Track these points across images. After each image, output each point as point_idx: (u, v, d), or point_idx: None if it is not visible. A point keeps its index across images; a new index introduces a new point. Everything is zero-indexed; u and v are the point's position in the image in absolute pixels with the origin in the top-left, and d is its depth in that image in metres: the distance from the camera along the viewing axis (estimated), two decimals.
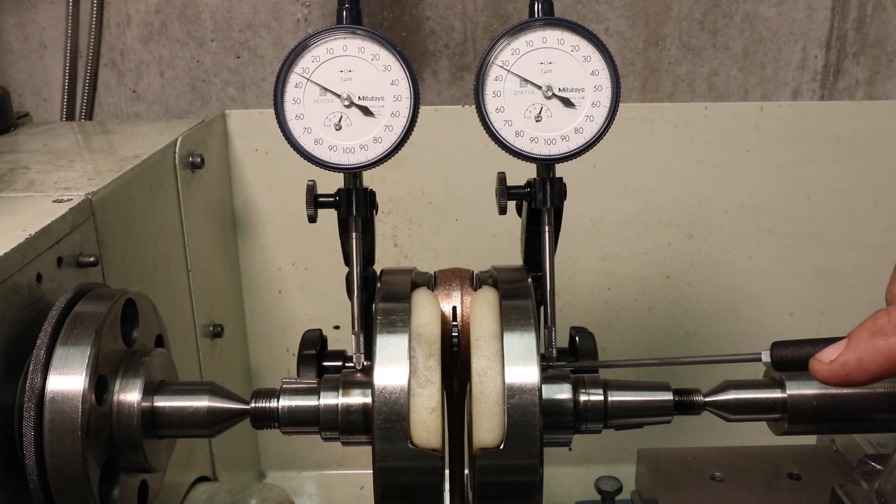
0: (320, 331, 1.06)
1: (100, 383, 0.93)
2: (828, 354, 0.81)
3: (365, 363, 0.98)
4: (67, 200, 1.18)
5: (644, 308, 1.99)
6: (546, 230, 1.00)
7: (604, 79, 0.95)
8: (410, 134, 0.95)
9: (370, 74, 0.95)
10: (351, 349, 1.00)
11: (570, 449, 1.05)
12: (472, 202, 1.90)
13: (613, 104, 0.95)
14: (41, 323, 0.94)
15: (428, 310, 0.96)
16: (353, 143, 0.95)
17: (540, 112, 0.95)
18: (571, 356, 1.04)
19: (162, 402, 0.99)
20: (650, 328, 2.01)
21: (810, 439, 1.44)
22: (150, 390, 0.98)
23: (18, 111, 1.86)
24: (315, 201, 0.99)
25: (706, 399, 1.01)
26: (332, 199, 0.99)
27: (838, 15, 1.90)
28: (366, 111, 0.95)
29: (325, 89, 0.95)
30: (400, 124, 0.95)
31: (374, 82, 0.95)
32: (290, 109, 0.95)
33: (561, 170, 0.99)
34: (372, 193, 1.00)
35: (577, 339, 1.04)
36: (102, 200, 1.24)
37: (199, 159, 1.65)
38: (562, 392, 0.96)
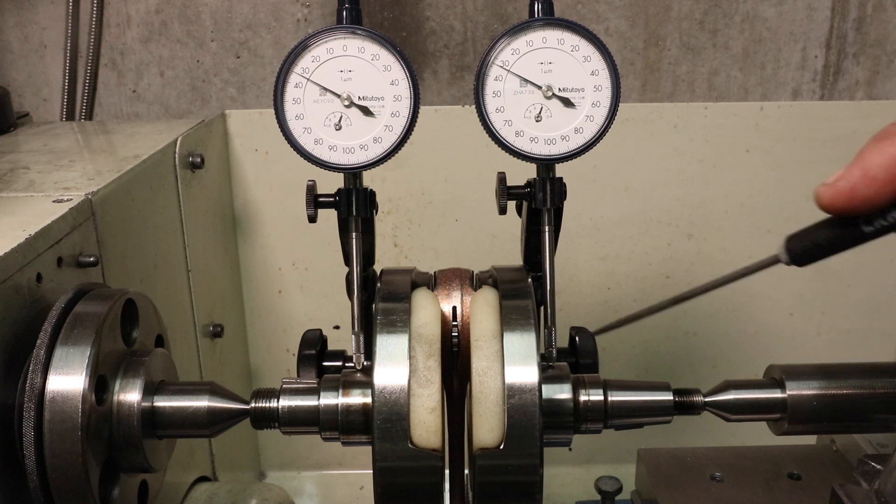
0: (320, 331, 1.06)
1: (100, 383, 0.93)
2: (833, 177, 0.73)
3: (365, 363, 0.98)
4: (67, 200, 1.18)
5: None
6: (546, 230, 1.00)
7: (604, 79, 0.95)
8: (410, 134, 0.95)
9: (370, 74, 0.95)
10: (351, 349, 1.00)
11: (570, 449, 1.05)
12: (472, 202, 1.90)
13: (613, 104, 0.95)
14: (41, 323, 0.94)
15: (428, 310, 0.97)
16: (353, 143, 0.95)
17: (540, 112, 0.95)
18: (571, 356, 1.04)
19: (162, 402, 0.99)
20: (650, 328, 2.01)
21: (810, 439, 1.44)
22: (150, 390, 0.98)
23: (18, 111, 1.85)
24: (315, 201, 0.99)
25: (706, 399, 1.01)
26: (332, 199, 0.99)
27: (838, 15, 1.90)
28: (366, 111, 0.95)
29: (325, 89, 0.95)
30: (400, 124, 0.95)
31: (374, 82, 0.95)
32: (290, 109, 0.95)
33: (561, 170, 1.00)
34: (372, 193, 1.00)
35: (577, 339, 1.05)
36: (102, 200, 1.24)
37: (199, 159, 1.66)
38: (562, 392, 0.96)
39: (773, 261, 0.83)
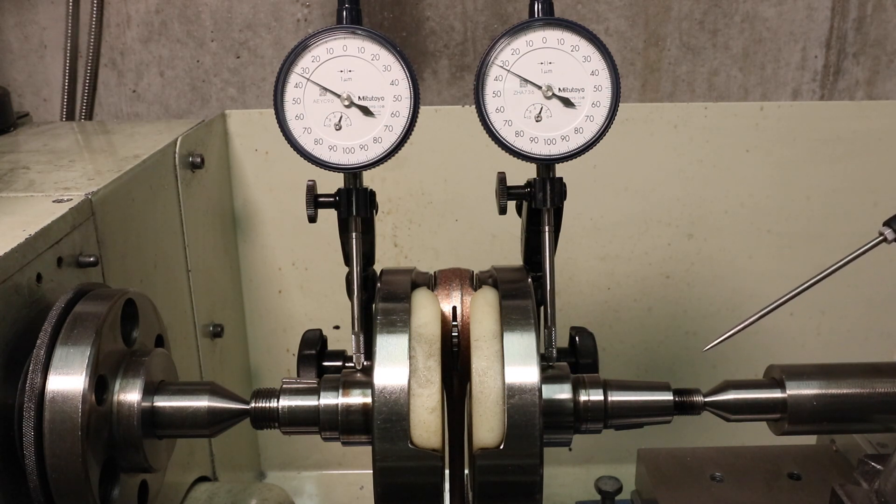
0: (320, 331, 1.06)
1: (100, 383, 0.93)
2: None
3: (365, 363, 0.98)
4: (67, 200, 1.18)
5: (644, 308, 1.99)
6: (546, 230, 1.00)
7: (604, 79, 0.95)
8: (410, 134, 0.95)
9: (370, 74, 0.95)
10: (351, 349, 1.00)
11: (570, 449, 1.05)
12: (472, 202, 1.90)
13: (613, 104, 0.95)
14: (41, 323, 0.94)
15: (428, 310, 0.97)
16: (353, 143, 0.95)
17: (540, 112, 0.95)
18: (571, 356, 1.04)
19: (162, 402, 0.99)
20: (650, 328, 2.01)
21: (810, 439, 1.44)
22: (150, 390, 0.98)
23: (18, 111, 1.85)
24: (315, 201, 0.99)
25: (706, 399, 1.01)
26: (332, 199, 0.99)
27: (838, 15, 1.90)
28: (366, 111, 0.95)
29: (325, 89, 0.95)
30: (400, 124, 0.95)
31: (374, 82, 0.95)
32: (290, 109, 0.95)
33: (561, 170, 0.99)
34: (372, 193, 1.00)
35: (577, 339, 1.05)
36: (102, 200, 1.24)
37: (199, 159, 1.65)
38: (562, 392, 0.96)
39: (880, 241, 0.92)
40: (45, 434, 0.89)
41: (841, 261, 0.97)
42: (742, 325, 1.00)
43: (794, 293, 0.97)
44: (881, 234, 0.97)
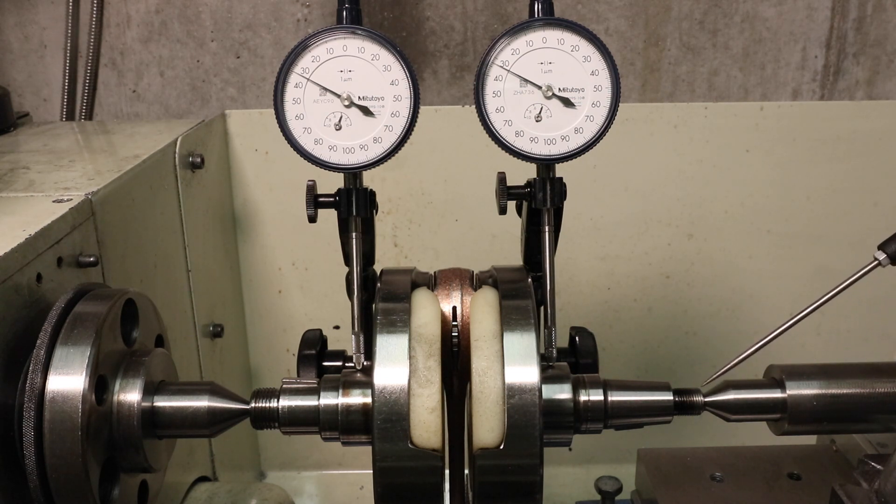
0: (320, 331, 1.06)
1: (100, 383, 0.93)
2: None
3: (365, 363, 0.98)
4: (67, 200, 1.18)
5: (644, 308, 1.99)
6: (546, 230, 1.00)
7: (604, 79, 0.95)
8: (410, 134, 0.95)
9: (370, 74, 0.95)
10: (351, 349, 1.00)
11: (570, 449, 1.05)
12: (472, 202, 1.90)
13: (613, 104, 0.95)
14: (41, 323, 0.94)
15: (428, 310, 0.97)
16: (353, 143, 0.95)
17: (540, 112, 0.95)
18: (571, 356, 1.04)
19: (162, 402, 0.99)
20: (650, 328, 2.01)
21: (810, 439, 1.44)
22: (150, 390, 0.98)
23: (18, 111, 1.85)
24: (315, 201, 0.99)
25: (706, 399, 1.01)
26: (332, 199, 0.99)
27: (838, 15, 1.90)
28: (366, 111, 0.95)
29: (325, 89, 0.95)
30: (400, 124, 0.95)
31: (374, 82, 0.95)
32: (290, 109, 0.95)
33: (561, 170, 1.00)
34: (372, 193, 1.00)
35: (577, 339, 1.05)
36: (102, 200, 1.24)
37: (199, 159, 1.66)
38: (562, 392, 0.96)
39: (875, 265, 0.94)
40: (45, 434, 0.89)
41: (838, 286, 0.98)
42: (744, 355, 1.01)
43: (794, 320, 0.98)
44: (875, 258, 0.97)
